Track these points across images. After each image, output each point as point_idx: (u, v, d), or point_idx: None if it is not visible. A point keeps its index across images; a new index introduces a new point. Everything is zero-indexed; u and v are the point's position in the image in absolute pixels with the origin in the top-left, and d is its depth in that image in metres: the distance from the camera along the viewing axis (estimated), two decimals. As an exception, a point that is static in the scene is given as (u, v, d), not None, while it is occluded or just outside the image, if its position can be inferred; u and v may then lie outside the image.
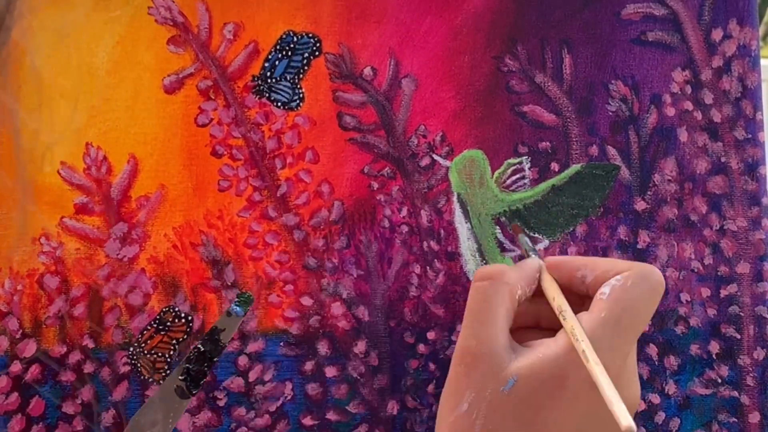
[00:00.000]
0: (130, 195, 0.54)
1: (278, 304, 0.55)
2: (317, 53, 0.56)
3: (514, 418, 0.35)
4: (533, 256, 0.42)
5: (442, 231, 0.56)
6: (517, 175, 0.56)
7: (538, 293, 0.41)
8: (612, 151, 0.57)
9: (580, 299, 0.39)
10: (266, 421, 0.54)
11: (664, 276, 0.54)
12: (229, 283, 0.54)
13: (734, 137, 0.58)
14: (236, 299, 0.48)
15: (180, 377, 0.47)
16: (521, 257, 0.54)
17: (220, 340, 0.47)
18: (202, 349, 0.47)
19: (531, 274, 0.40)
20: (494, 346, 0.36)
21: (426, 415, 0.55)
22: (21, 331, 0.52)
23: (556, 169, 0.57)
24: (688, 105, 0.58)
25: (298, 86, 0.56)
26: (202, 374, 0.47)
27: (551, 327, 0.39)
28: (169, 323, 0.54)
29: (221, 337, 0.47)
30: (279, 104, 0.56)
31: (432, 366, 0.56)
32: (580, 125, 0.57)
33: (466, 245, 0.56)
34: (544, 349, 0.36)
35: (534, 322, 0.41)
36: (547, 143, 0.57)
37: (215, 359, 0.47)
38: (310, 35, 0.56)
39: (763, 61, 0.61)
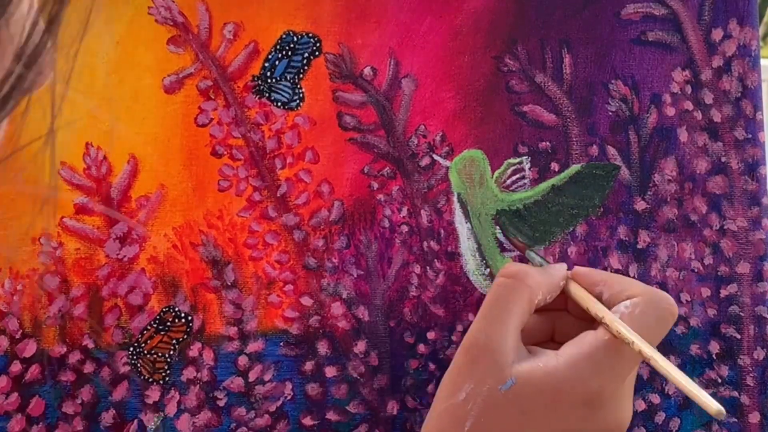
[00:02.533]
0: (130, 195, 0.54)
1: (278, 304, 0.55)
2: (317, 53, 0.56)
3: (506, 418, 0.36)
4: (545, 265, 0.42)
5: (442, 231, 0.56)
6: (517, 175, 0.56)
7: (555, 305, 0.41)
8: (612, 151, 0.58)
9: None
10: (266, 421, 0.54)
11: (664, 276, 0.56)
12: (229, 283, 0.55)
13: (734, 137, 0.58)
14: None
15: None
16: (521, 258, 0.53)
17: None
18: None
19: (555, 281, 0.40)
20: (501, 343, 0.37)
21: (425, 414, 0.54)
22: (21, 331, 0.52)
23: (556, 169, 0.57)
24: (688, 105, 0.58)
25: (298, 86, 0.56)
26: None
27: (564, 341, 0.39)
28: (169, 323, 0.54)
29: None
30: (279, 104, 0.56)
31: (432, 366, 0.56)
32: (580, 125, 0.57)
33: (466, 245, 0.56)
34: (547, 359, 0.36)
35: (548, 336, 0.41)
36: (547, 143, 0.57)
37: None
38: (310, 35, 0.56)
39: (763, 61, 0.61)
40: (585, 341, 0.37)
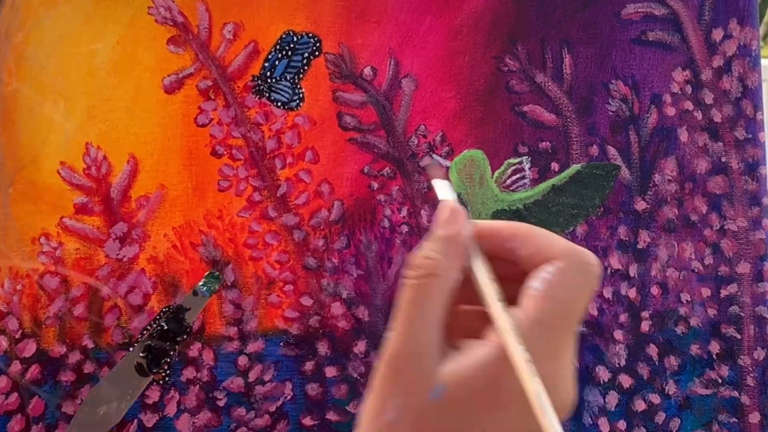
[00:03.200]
0: (130, 195, 0.54)
1: (278, 304, 0.55)
2: (317, 53, 0.56)
3: (442, 428, 0.32)
4: (448, 200, 0.37)
5: None
6: (518, 175, 0.56)
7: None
8: (612, 150, 0.58)
9: (509, 267, 0.35)
10: (266, 422, 0.54)
11: (664, 276, 0.56)
12: (229, 283, 0.54)
13: (734, 137, 0.58)
14: (204, 278, 0.46)
15: (141, 354, 0.45)
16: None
17: (184, 320, 0.46)
18: (165, 327, 0.46)
19: (464, 251, 0.35)
20: (423, 347, 0.33)
21: None
22: (21, 331, 0.52)
23: (557, 169, 0.57)
24: (689, 105, 0.58)
25: (298, 86, 0.56)
26: (164, 353, 0.46)
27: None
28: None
29: (186, 316, 0.46)
30: (279, 104, 0.56)
31: None
32: (581, 125, 0.57)
33: None
34: (474, 354, 0.33)
35: (472, 299, 0.37)
36: (548, 143, 0.57)
37: (179, 339, 0.46)
38: (310, 35, 0.56)
39: (763, 61, 0.61)
40: (504, 329, 0.33)
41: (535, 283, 0.33)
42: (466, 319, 0.35)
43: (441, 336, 0.33)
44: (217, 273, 0.48)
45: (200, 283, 0.47)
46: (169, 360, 0.45)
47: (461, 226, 0.35)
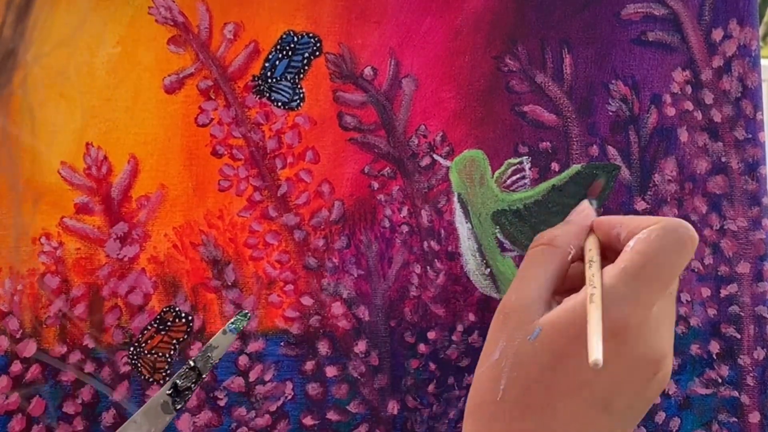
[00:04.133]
0: (130, 195, 0.54)
1: (278, 304, 0.55)
2: (317, 53, 0.56)
3: (538, 365, 0.36)
4: (593, 212, 0.43)
5: (442, 231, 0.56)
6: (518, 175, 0.56)
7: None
8: (612, 151, 0.57)
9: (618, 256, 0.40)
10: (266, 421, 0.54)
11: None
12: (230, 283, 0.54)
13: (734, 137, 0.58)
14: (234, 318, 0.48)
15: (168, 392, 0.46)
16: (522, 257, 0.53)
17: (211, 357, 0.47)
18: (193, 365, 0.47)
19: (583, 230, 0.41)
20: (530, 300, 0.37)
21: (426, 414, 0.55)
22: (21, 331, 0.52)
23: (557, 169, 0.57)
24: (689, 105, 0.58)
25: (299, 86, 0.56)
26: (189, 390, 0.46)
27: None
28: (169, 323, 0.54)
29: (213, 354, 0.47)
30: (279, 104, 0.55)
31: (432, 366, 0.56)
32: (581, 125, 0.57)
33: (467, 245, 0.56)
34: (566, 302, 0.37)
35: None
36: (548, 143, 0.57)
37: (203, 376, 0.47)
38: (311, 35, 0.55)
39: (763, 61, 0.61)
40: (604, 275, 0.37)
41: (630, 243, 0.37)
42: (579, 285, 0.39)
43: (549, 293, 0.38)
44: (247, 311, 0.49)
45: (230, 322, 0.47)
46: (190, 396, 0.47)
47: (585, 218, 0.42)
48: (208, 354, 0.47)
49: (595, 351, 0.33)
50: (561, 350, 0.36)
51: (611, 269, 0.37)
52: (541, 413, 0.36)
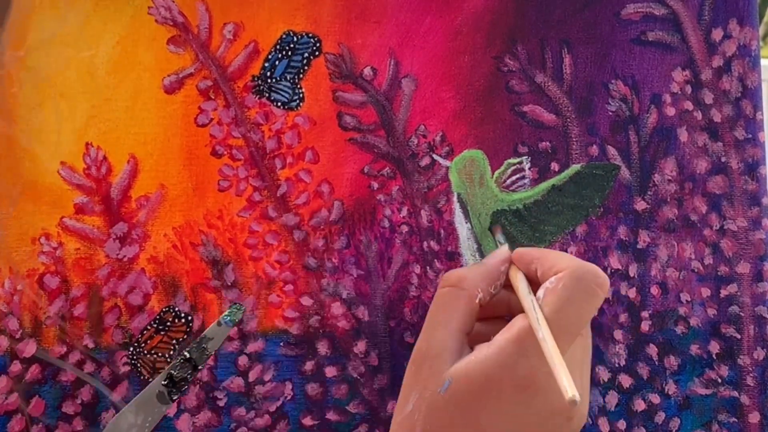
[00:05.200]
0: (130, 195, 0.54)
1: (278, 304, 0.54)
2: (317, 53, 0.55)
3: (450, 419, 0.35)
4: (504, 248, 0.43)
5: (442, 231, 0.56)
6: (517, 175, 0.56)
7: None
8: (612, 150, 0.57)
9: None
10: (266, 421, 0.54)
11: (664, 276, 0.56)
12: (229, 283, 0.54)
13: (734, 137, 0.58)
14: (228, 309, 0.47)
15: (163, 382, 0.46)
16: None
17: (206, 349, 0.47)
18: (188, 356, 0.47)
19: (494, 273, 0.41)
20: (442, 348, 0.37)
21: None
22: (21, 330, 0.52)
23: (556, 169, 0.57)
24: (688, 105, 0.58)
25: (298, 86, 0.55)
26: (185, 381, 0.46)
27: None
28: (169, 323, 0.54)
29: (208, 345, 0.47)
30: (279, 104, 0.55)
31: None
32: (580, 125, 0.57)
33: (466, 245, 0.55)
34: (478, 351, 0.36)
35: (506, 310, 0.41)
36: (547, 143, 0.57)
37: (200, 367, 0.47)
38: (310, 35, 0.55)
39: (763, 61, 0.61)
40: (515, 325, 0.36)
41: (540, 293, 0.36)
42: (492, 331, 0.38)
43: (460, 341, 0.37)
44: (240, 304, 0.49)
45: (224, 314, 0.48)
46: (187, 387, 0.47)
47: (496, 257, 0.41)
48: (203, 345, 0.47)
49: (569, 388, 0.32)
50: (472, 405, 0.35)
51: (522, 321, 0.37)
52: None
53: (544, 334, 0.34)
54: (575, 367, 0.37)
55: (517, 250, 0.41)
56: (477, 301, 0.39)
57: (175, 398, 0.45)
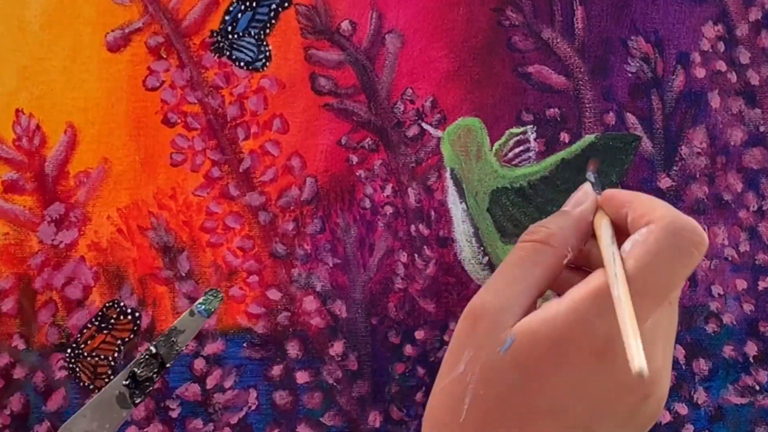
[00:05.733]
0: (67, 170, 0.53)
1: (241, 298, 0.53)
2: (286, 4, 0.54)
3: (509, 384, 0.34)
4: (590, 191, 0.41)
5: (432, 213, 0.54)
6: (521, 148, 0.55)
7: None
8: (632, 119, 0.56)
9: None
10: (226, 435, 0.53)
11: None
12: (184, 274, 0.53)
13: (774, 103, 0.57)
14: (203, 296, 0.46)
15: (124, 382, 0.44)
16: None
17: (176, 343, 0.45)
18: (155, 352, 0.44)
19: (585, 226, 0.38)
20: (509, 303, 0.35)
21: (413, 427, 0.54)
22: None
23: (566, 141, 0.55)
24: (721, 65, 0.56)
25: (264, 43, 0.54)
26: (150, 381, 0.44)
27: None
28: (112, 320, 0.52)
29: (178, 339, 0.45)
30: (242, 64, 0.54)
31: (421, 371, 0.54)
32: (594, 89, 0.56)
33: (461, 229, 0.54)
34: (547, 308, 0.35)
35: (585, 261, 0.40)
36: (556, 110, 0.55)
37: (168, 365, 0.45)
38: (279, -17, 0.55)
39: (808, 16, 0.59)
40: (592, 280, 0.35)
41: (627, 245, 0.35)
42: (566, 285, 0.37)
43: (532, 299, 0.36)
44: (218, 290, 0.46)
45: (198, 302, 0.45)
46: (152, 388, 0.45)
47: (586, 209, 0.39)
48: (173, 339, 0.44)
49: (636, 357, 0.31)
50: (535, 367, 0.34)
51: (602, 275, 0.36)
52: None
53: (620, 292, 0.33)
54: (658, 340, 0.35)
55: (607, 192, 0.39)
56: (565, 261, 0.37)
57: (138, 401, 0.43)
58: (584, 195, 0.41)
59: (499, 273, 0.38)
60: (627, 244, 0.35)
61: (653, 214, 0.35)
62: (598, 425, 0.34)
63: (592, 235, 0.40)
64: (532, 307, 0.36)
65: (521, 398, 0.34)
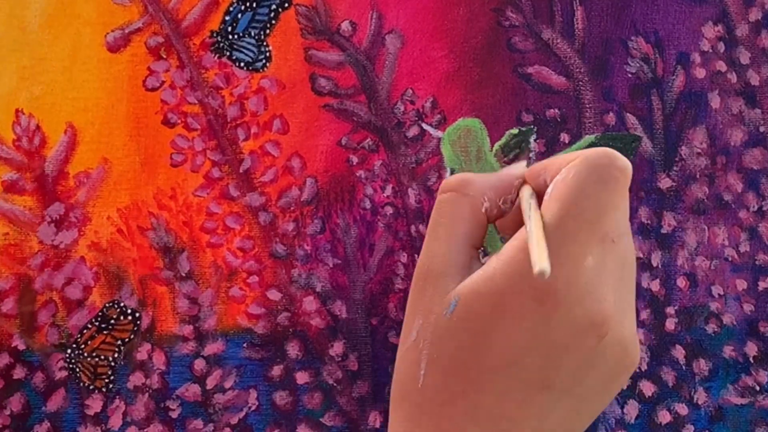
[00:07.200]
0: (67, 171, 0.53)
1: (241, 298, 0.53)
2: (286, 5, 0.54)
3: (458, 344, 0.33)
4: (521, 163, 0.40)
5: None
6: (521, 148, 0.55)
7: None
8: (632, 119, 0.56)
9: None
10: (226, 436, 0.52)
11: (693, 266, 0.55)
12: (184, 274, 0.53)
13: (775, 103, 0.57)
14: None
15: None
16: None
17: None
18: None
19: (505, 183, 0.38)
20: (446, 264, 0.35)
21: None
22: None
23: (567, 141, 0.55)
24: (721, 65, 0.56)
25: (264, 43, 0.54)
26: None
27: None
28: (113, 321, 0.52)
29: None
30: (242, 64, 0.54)
31: None
32: (595, 89, 0.56)
33: None
34: (487, 266, 0.34)
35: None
36: (556, 110, 0.56)
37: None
38: (279, -17, 0.55)
39: (808, 16, 0.58)
40: (524, 231, 0.34)
41: (549, 188, 0.35)
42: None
43: (468, 255, 0.35)
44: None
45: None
46: None
47: (510, 170, 0.38)
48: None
49: (539, 260, 0.31)
50: (482, 325, 0.33)
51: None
52: (469, 398, 0.33)
53: (532, 215, 0.33)
54: (604, 280, 0.34)
55: (529, 167, 0.38)
56: (483, 210, 0.36)
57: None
58: (515, 165, 0.40)
59: (428, 234, 0.36)
60: (549, 188, 0.35)
61: (569, 159, 0.35)
62: (555, 374, 0.34)
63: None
64: (473, 262, 0.36)
65: (474, 358, 0.34)
